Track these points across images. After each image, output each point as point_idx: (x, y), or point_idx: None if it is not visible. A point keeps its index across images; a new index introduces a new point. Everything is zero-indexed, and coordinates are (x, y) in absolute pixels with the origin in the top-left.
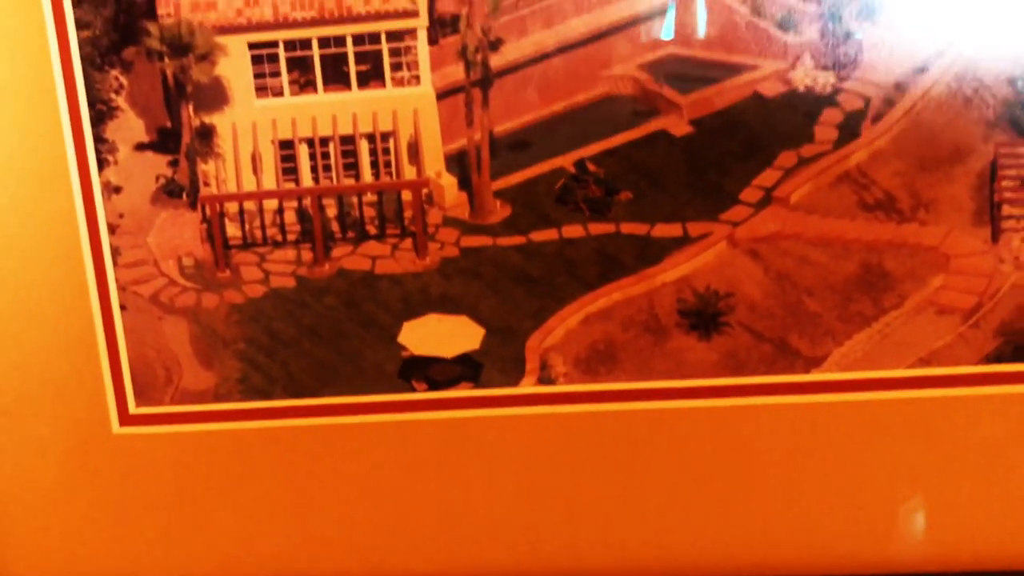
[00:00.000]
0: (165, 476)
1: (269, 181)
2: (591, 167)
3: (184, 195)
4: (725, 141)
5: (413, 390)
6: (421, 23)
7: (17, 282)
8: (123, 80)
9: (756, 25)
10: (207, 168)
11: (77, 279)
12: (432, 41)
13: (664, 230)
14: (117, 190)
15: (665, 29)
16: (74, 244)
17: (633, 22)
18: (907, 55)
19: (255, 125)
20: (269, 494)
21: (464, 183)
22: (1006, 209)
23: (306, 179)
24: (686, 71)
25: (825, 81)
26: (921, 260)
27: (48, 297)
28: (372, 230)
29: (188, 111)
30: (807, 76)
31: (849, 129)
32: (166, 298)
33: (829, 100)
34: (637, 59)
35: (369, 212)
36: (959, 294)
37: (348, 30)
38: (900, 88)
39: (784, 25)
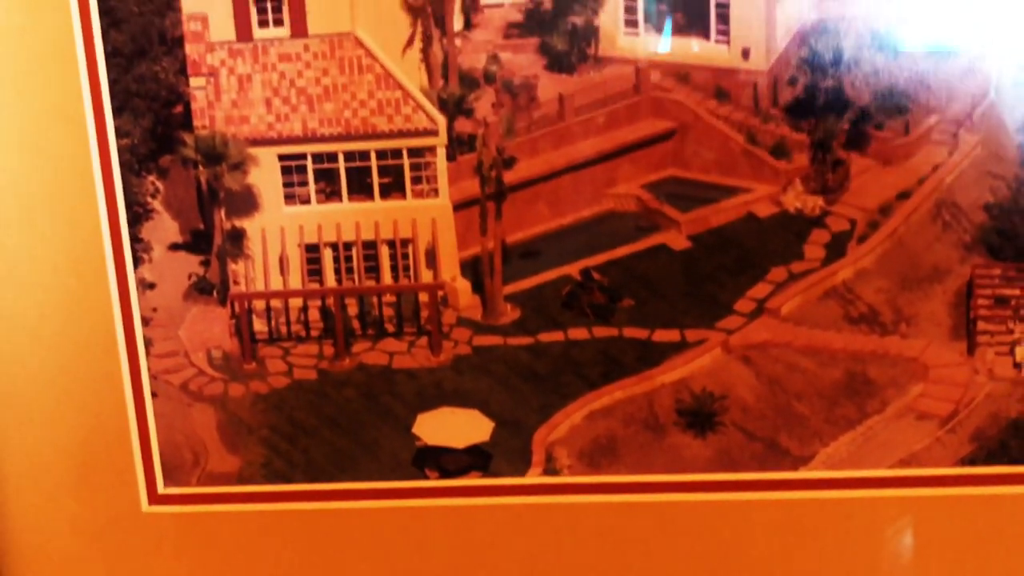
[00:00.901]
0: (191, 553)
1: (295, 281)
2: (596, 275)
3: (214, 292)
4: (721, 256)
5: (426, 478)
6: (440, 141)
7: (56, 369)
8: (159, 185)
9: (751, 151)
10: (237, 268)
11: (112, 367)
12: (450, 158)
13: (663, 335)
14: (151, 286)
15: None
16: (110, 335)
17: (637, 146)
18: (891, 182)
19: (283, 230)
20: (289, 573)
21: (477, 287)
22: (981, 325)
23: (330, 280)
24: (685, 191)
25: (814, 204)
26: (902, 370)
27: (85, 383)
28: (390, 328)
29: (220, 215)
30: (797, 199)
31: (836, 248)
32: (195, 387)
33: (817, 221)
34: (640, 179)
35: (388, 311)
36: (937, 402)
37: (372, 146)
38: (884, 212)
39: (777, 152)
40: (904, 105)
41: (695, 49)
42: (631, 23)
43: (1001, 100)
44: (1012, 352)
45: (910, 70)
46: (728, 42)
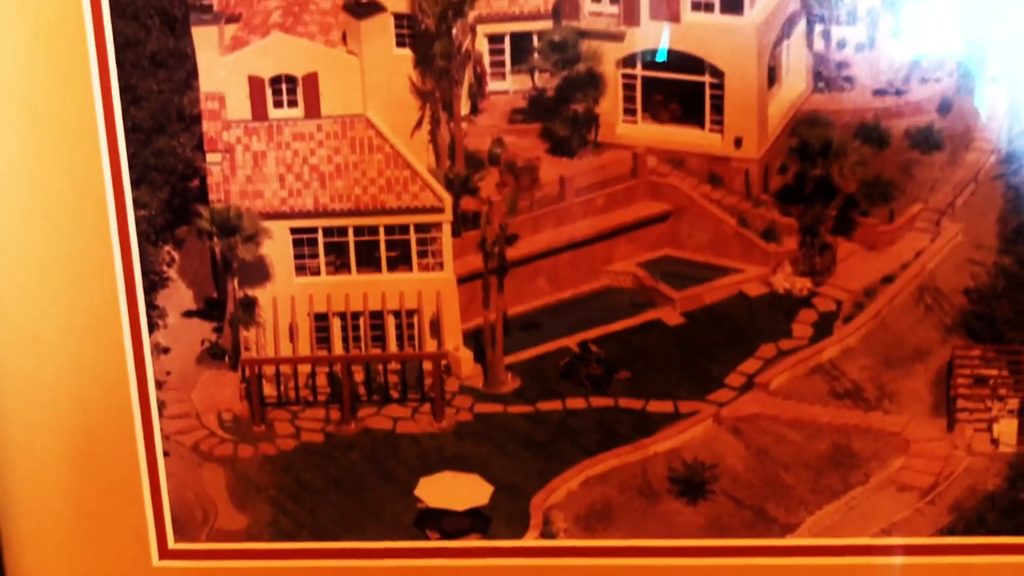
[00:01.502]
0: None
1: (304, 348)
2: (593, 348)
3: (226, 357)
4: (713, 332)
5: (427, 539)
6: (446, 218)
7: (73, 428)
8: (175, 255)
9: (742, 234)
10: (248, 335)
11: (127, 427)
12: (455, 234)
13: (657, 406)
14: (166, 351)
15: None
16: (125, 396)
17: (633, 226)
18: (875, 266)
19: (294, 299)
20: None
21: (479, 357)
22: (960, 403)
23: (337, 347)
24: (680, 270)
25: (802, 285)
26: (885, 443)
27: (100, 442)
28: (395, 394)
29: (233, 284)
30: (786, 280)
31: (823, 327)
32: (206, 447)
33: (805, 302)
34: (636, 258)
35: (393, 379)
36: (918, 474)
37: (381, 221)
38: (869, 294)
39: (767, 236)
40: (889, 194)
41: (690, 137)
42: (630, 112)
43: (982, 190)
44: (990, 429)
45: (895, 161)
46: (721, 131)
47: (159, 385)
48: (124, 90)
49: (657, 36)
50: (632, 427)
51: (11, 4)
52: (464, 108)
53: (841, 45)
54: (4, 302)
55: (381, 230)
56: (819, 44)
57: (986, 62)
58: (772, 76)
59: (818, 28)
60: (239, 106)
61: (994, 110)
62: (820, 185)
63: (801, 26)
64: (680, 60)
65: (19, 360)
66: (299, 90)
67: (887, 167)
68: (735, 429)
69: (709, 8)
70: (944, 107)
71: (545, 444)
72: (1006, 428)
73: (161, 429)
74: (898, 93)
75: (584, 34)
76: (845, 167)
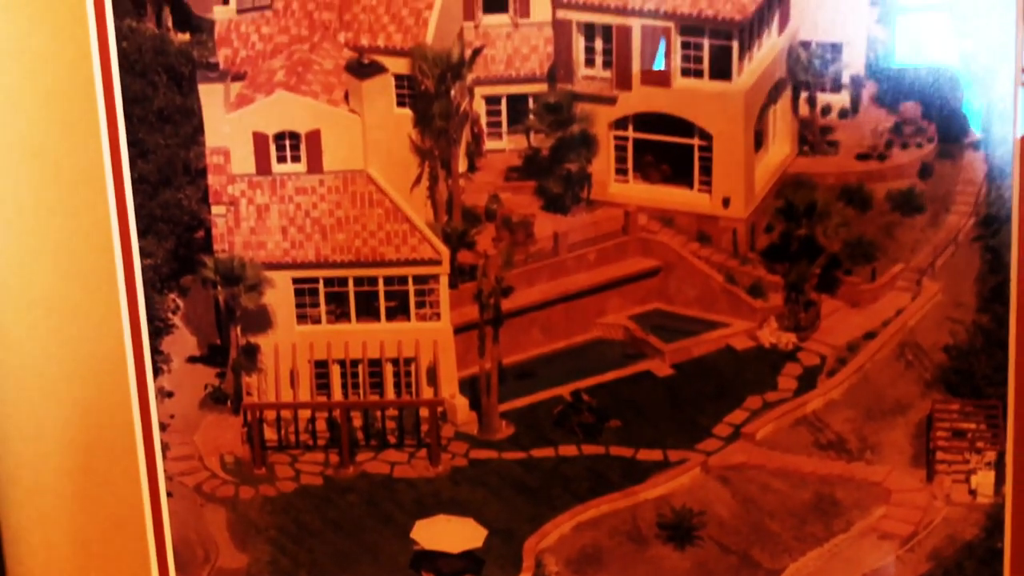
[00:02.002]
0: None
1: (304, 394)
2: (585, 397)
3: (228, 402)
4: (701, 384)
5: None
6: (443, 270)
7: (79, 470)
8: (180, 302)
9: (730, 290)
10: (250, 380)
11: (131, 468)
12: (452, 285)
13: (647, 455)
14: (170, 395)
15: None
16: (130, 438)
17: (625, 281)
18: (858, 323)
19: (295, 347)
20: None
21: (474, 404)
22: (940, 455)
23: (337, 394)
24: (669, 324)
25: (788, 340)
26: (866, 493)
27: (105, 483)
28: (392, 440)
29: (236, 332)
30: (772, 335)
31: (807, 381)
32: (208, 488)
33: (790, 356)
34: (627, 311)
35: (390, 424)
36: (898, 523)
37: (380, 273)
38: (851, 349)
39: (753, 292)
40: (871, 254)
41: (679, 197)
42: (621, 171)
43: (961, 252)
44: (967, 480)
45: (877, 222)
46: (710, 191)
47: (163, 427)
48: (132, 144)
49: (648, 100)
50: (622, 474)
51: (24, 59)
52: (462, 166)
53: (825, 111)
54: (14, 345)
55: (380, 281)
56: (804, 110)
57: (965, 129)
58: (759, 139)
59: (803, 94)
60: (244, 161)
61: (973, 175)
62: (805, 244)
63: (787, 92)
64: (670, 123)
65: (26, 401)
66: (302, 146)
67: (870, 228)
68: (722, 477)
69: (698, 74)
70: (925, 171)
71: (538, 490)
72: (984, 480)
73: (165, 470)
74: (880, 157)
75: (578, 97)
76: (829, 228)
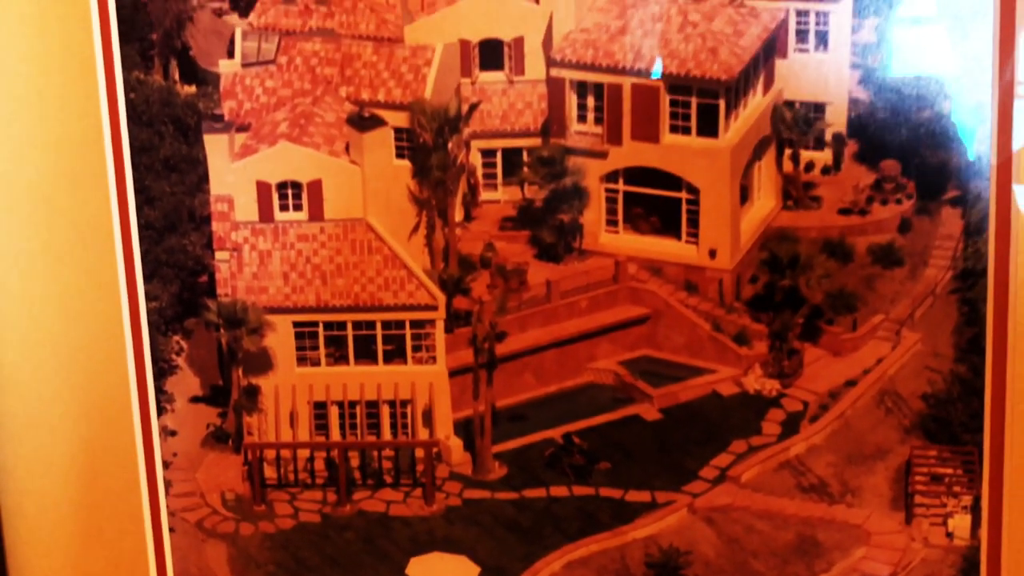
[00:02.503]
0: None
1: (303, 434)
2: (576, 440)
3: (230, 441)
4: (688, 428)
5: None
6: (439, 315)
7: (83, 507)
8: (184, 344)
9: (716, 338)
10: (251, 420)
11: (135, 504)
12: (448, 330)
13: (636, 496)
14: (173, 433)
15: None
16: (133, 475)
17: (615, 327)
18: (839, 371)
19: (294, 388)
20: None
21: (468, 445)
22: (918, 499)
23: (335, 434)
24: (657, 369)
25: (772, 387)
26: (847, 535)
27: (109, 519)
28: (388, 479)
29: (238, 373)
30: (757, 382)
31: (790, 426)
32: (209, 524)
33: (774, 402)
34: (617, 357)
35: (387, 464)
36: (878, 564)
37: (378, 317)
38: (833, 396)
39: (739, 340)
40: (852, 305)
41: (668, 247)
42: (612, 222)
43: (939, 304)
44: (945, 523)
45: (858, 275)
46: (697, 243)
47: (166, 465)
48: (139, 191)
49: (638, 155)
50: (612, 515)
51: (35, 108)
52: (458, 215)
53: (809, 167)
54: (22, 385)
55: (378, 325)
56: (788, 166)
57: (943, 187)
58: (744, 194)
59: (787, 151)
60: (247, 208)
61: (950, 231)
62: (788, 295)
63: (772, 149)
64: (659, 177)
65: (34, 438)
66: (304, 195)
67: (851, 280)
68: (708, 518)
69: (686, 131)
70: (904, 226)
71: (530, 529)
72: (960, 523)
73: (167, 506)
74: (862, 213)
75: (570, 151)
76: (812, 279)
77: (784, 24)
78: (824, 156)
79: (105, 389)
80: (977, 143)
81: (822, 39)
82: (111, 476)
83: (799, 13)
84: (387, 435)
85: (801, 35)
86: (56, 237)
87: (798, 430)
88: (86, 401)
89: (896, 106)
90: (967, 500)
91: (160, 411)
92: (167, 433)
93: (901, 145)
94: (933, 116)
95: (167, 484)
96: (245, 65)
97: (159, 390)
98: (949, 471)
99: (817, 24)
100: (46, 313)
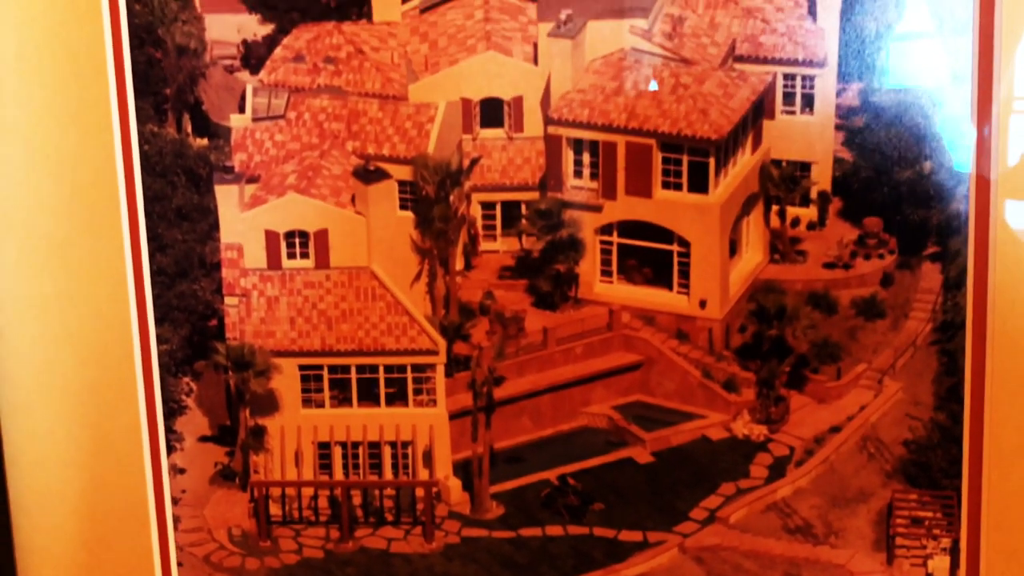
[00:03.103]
0: None
1: (307, 473)
2: (571, 481)
3: (237, 479)
4: (679, 471)
5: None
6: (440, 360)
7: (94, 541)
8: (193, 385)
9: (706, 384)
10: (257, 459)
11: (144, 539)
12: (448, 374)
13: (628, 535)
14: (182, 471)
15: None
16: (143, 512)
17: (609, 373)
18: (824, 418)
19: (300, 429)
20: None
21: (467, 485)
22: (899, 540)
23: (338, 473)
24: (649, 414)
25: (759, 432)
26: (831, 574)
27: (118, 554)
28: (389, 517)
29: (245, 414)
30: (745, 427)
31: (777, 469)
32: (216, 559)
33: (762, 446)
34: (611, 402)
35: (388, 503)
36: None
37: (381, 361)
38: (818, 442)
39: (728, 387)
40: (836, 354)
41: (660, 298)
42: (606, 273)
43: (920, 355)
44: (925, 564)
45: (842, 326)
46: (688, 293)
47: (175, 502)
48: (151, 238)
49: (631, 209)
50: (605, 553)
51: (52, 159)
52: (459, 264)
53: (795, 223)
54: (37, 426)
55: (381, 369)
56: (775, 221)
57: (923, 243)
58: (733, 247)
59: (774, 207)
60: (256, 256)
61: (930, 285)
62: (775, 344)
63: (759, 205)
64: (652, 230)
65: (46, 475)
66: (311, 243)
67: (835, 331)
68: (698, 558)
69: (678, 187)
70: (886, 280)
71: (526, 567)
72: (940, 564)
73: (176, 541)
74: (845, 267)
75: (567, 204)
76: (798, 329)
77: (772, 87)
78: (810, 212)
79: (117, 428)
80: (956, 202)
81: (808, 102)
82: (122, 512)
83: (786, 77)
84: (388, 475)
85: (788, 98)
86: (72, 281)
87: (784, 474)
88: (98, 439)
89: (878, 166)
90: (946, 542)
91: (170, 449)
92: (176, 471)
93: (883, 203)
94: (914, 176)
95: (176, 520)
96: (255, 120)
97: (169, 429)
98: (929, 514)
99: (803, 87)
100: (61, 354)
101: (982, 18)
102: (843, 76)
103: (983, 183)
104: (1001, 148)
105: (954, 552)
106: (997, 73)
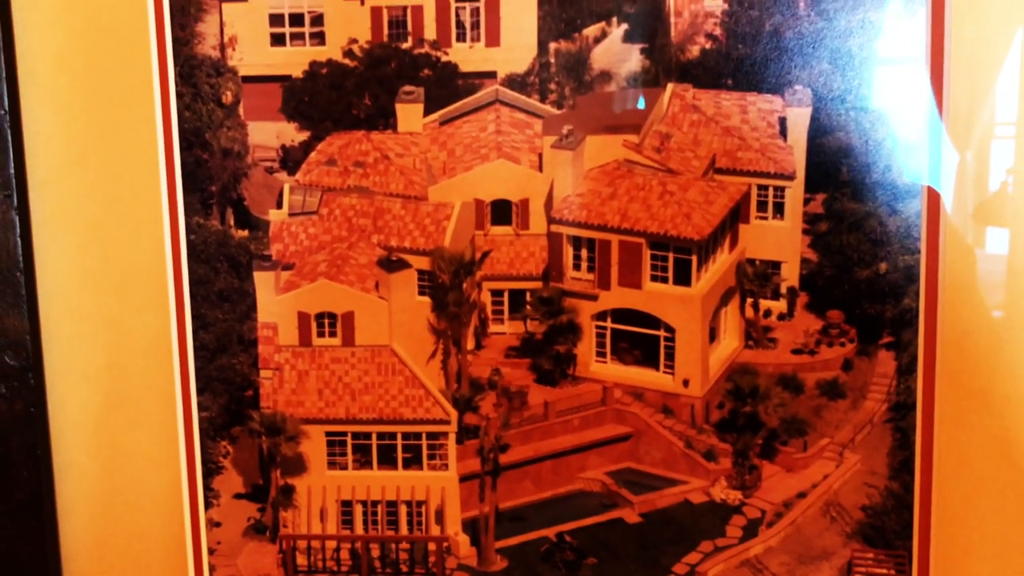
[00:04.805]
0: None
1: (331, 528)
2: (568, 538)
3: (267, 532)
4: (663, 530)
5: None
6: (452, 429)
7: None
8: (229, 448)
9: (688, 454)
10: (286, 515)
11: None
12: (459, 441)
13: None
14: (218, 524)
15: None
16: (182, 563)
17: (602, 443)
18: (792, 485)
19: (325, 488)
20: None
21: (475, 541)
22: None
23: (359, 528)
24: (638, 479)
25: (735, 497)
26: None
27: None
28: (404, 568)
29: (276, 474)
30: (722, 492)
31: (751, 530)
32: None
33: (736, 509)
34: (604, 468)
35: (403, 556)
36: None
37: (398, 429)
38: (787, 506)
39: (707, 456)
40: (803, 429)
41: (648, 377)
42: (601, 354)
43: (876, 431)
44: None
45: (808, 405)
46: (673, 373)
47: (211, 552)
48: (195, 317)
49: (623, 299)
50: None
51: (106, 246)
52: (470, 344)
53: (767, 314)
54: (90, 483)
55: (399, 436)
56: (750, 312)
57: (879, 333)
58: (713, 334)
59: (749, 300)
60: (289, 334)
61: (886, 370)
62: (749, 420)
63: (736, 298)
64: (641, 317)
65: (96, 529)
66: (338, 324)
67: (802, 409)
68: None
69: (664, 280)
70: (847, 366)
71: None
72: None
73: None
74: (811, 353)
75: (566, 293)
76: (769, 407)
77: (747, 196)
78: (780, 305)
79: (160, 485)
80: (908, 298)
81: (779, 209)
82: (163, 562)
83: (760, 187)
84: (404, 530)
85: (761, 205)
86: (123, 354)
87: (757, 534)
88: (144, 497)
89: (840, 266)
90: None
91: (207, 505)
92: (212, 524)
93: (844, 298)
94: (871, 275)
95: (211, 568)
96: (291, 215)
97: (207, 487)
98: (884, 571)
99: (775, 197)
100: (111, 420)
101: (930, 147)
102: (810, 187)
103: (932, 284)
104: (947, 257)
105: None
106: (948, 185)
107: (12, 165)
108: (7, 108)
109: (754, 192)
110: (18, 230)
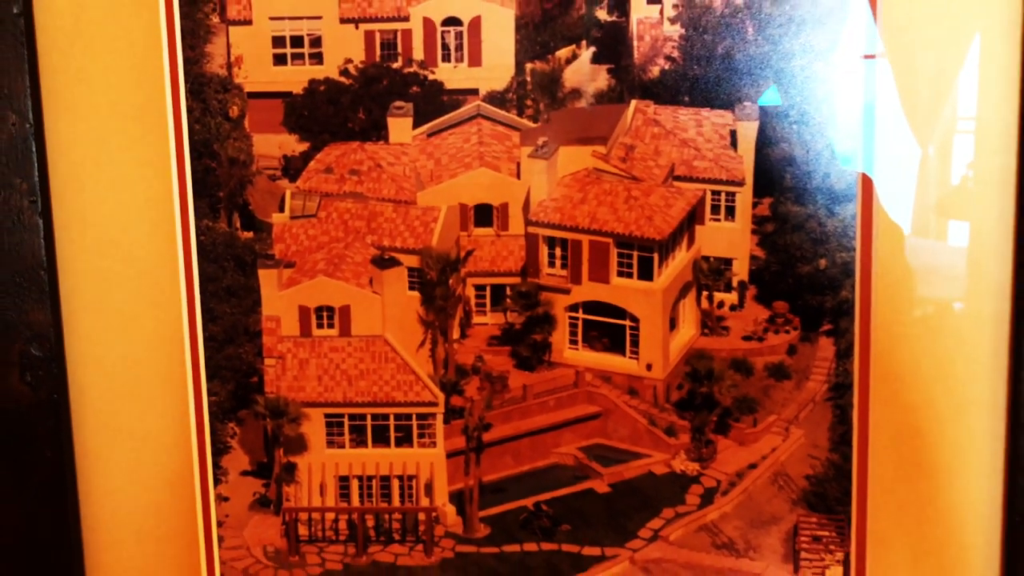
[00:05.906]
0: None
1: (330, 501)
2: (544, 507)
3: (271, 506)
4: (630, 499)
5: None
6: (439, 410)
7: (151, 557)
8: (237, 430)
9: (651, 430)
10: (289, 490)
11: (193, 556)
12: (446, 421)
13: (589, 551)
14: (226, 499)
15: None
16: (194, 534)
17: (575, 421)
18: (744, 457)
19: (324, 465)
20: None
21: (460, 511)
22: (803, 555)
23: (355, 501)
24: (607, 454)
25: (693, 468)
26: None
27: (172, 570)
28: (397, 537)
29: (279, 453)
30: (682, 464)
31: (707, 498)
32: (253, 572)
33: (695, 480)
34: (576, 444)
35: (396, 525)
36: None
37: (391, 411)
38: (739, 476)
39: (668, 432)
40: (753, 408)
41: (615, 362)
42: (573, 342)
43: (818, 408)
44: (823, 573)
45: (757, 385)
46: (638, 358)
47: (220, 524)
48: (205, 311)
49: (593, 292)
50: (571, 565)
51: (122, 248)
52: (455, 334)
53: (720, 305)
54: (108, 463)
55: (391, 418)
56: (705, 303)
57: (820, 322)
58: (673, 323)
59: (704, 293)
60: (290, 326)
61: (826, 354)
62: (705, 399)
63: (693, 291)
64: (609, 308)
65: (114, 505)
66: (336, 317)
67: (752, 389)
68: (645, 568)
69: (629, 275)
70: (791, 350)
71: None
72: (835, 573)
73: (220, 557)
74: (759, 340)
75: (542, 288)
76: (723, 388)
77: (702, 200)
78: (731, 297)
79: (173, 464)
80: (845, 290)
81: (730, 212)
82: (176, 534)
83: (714, 193)
84: (396, 502)
85: (715, 208)
86: (138, 347)
87: (713, 501)
88: (158, 475)
89: (785, 262)
90: (840, 555)
91: (216, 482)
92: (221, 499)
93: (789, 290)
94: (812, 270)
95: (220, 539)
96: (293, 218)
97: (216, 465)
98: (826, 533)
99: (727, 201)
100: (129, 406)
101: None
102: (758, 192)
103: (866, 278)
104: (879, 254)
105: (846, 564)
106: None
107: (37, 173)
108: (32, 121)
109: (708, 197)
110: (42, 232)
